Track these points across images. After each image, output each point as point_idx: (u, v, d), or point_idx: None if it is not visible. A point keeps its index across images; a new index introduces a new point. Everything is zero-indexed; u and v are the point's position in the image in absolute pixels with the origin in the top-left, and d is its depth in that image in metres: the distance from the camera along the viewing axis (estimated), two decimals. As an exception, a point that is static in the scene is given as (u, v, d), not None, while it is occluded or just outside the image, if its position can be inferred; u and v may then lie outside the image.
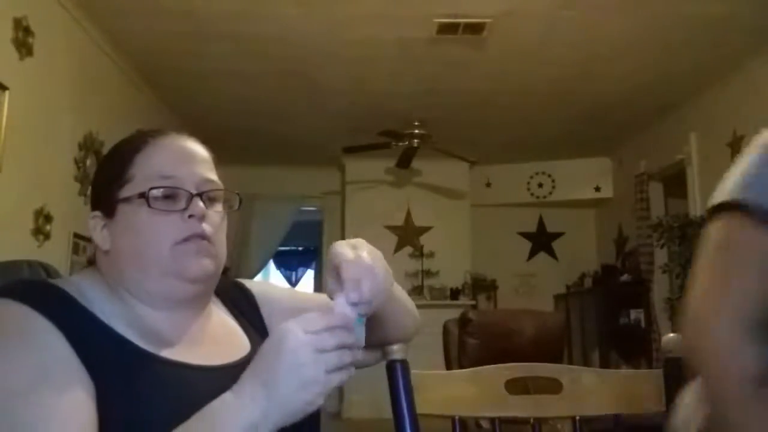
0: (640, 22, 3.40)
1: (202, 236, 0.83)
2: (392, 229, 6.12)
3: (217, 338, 0.89)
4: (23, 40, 2.82)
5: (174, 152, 0.88)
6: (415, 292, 5.94)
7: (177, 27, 3.50)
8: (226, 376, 0.77)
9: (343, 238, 7.10)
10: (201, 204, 0.83)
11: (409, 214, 6.14)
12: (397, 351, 0.97)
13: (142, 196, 0.82)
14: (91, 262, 0.92)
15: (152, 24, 3.47)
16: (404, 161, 5.38)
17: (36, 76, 2.95)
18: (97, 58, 3.62)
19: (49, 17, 3.06)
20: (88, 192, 3.48)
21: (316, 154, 5.91)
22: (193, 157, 0.88)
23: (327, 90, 4.45)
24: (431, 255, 6.07)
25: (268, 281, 1.33)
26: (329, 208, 6.49)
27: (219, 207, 0.88)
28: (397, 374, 0.96)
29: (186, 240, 0.82)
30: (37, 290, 0.79)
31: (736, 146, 4.08)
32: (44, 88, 3.05)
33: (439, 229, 6.13)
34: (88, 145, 3.49)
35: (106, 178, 0.87)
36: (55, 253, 3.10)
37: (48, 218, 3.07)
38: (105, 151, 4.03)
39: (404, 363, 0.97)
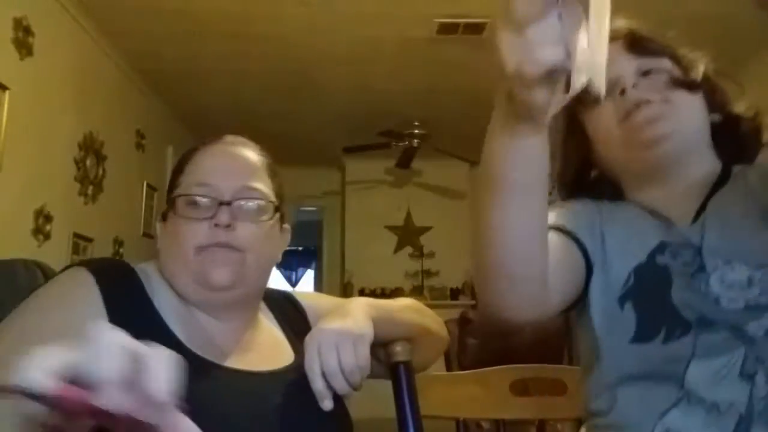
0: (640, 22, 3.40)
1: (225, 245, 0.83)
2: (392, 229, 6.11)
3: (263, 349, 0.90)
4: (23, 40, 2.82)
5: (216, 159, 0.89)
6: (415, 292, 5.93)
7: (177, 27, 3.49)
8: (267, 381, 0.82)
9: (343, 238, 7.02)
10: (226, 213, 0.83)
11: (409, 214, 6.13)
12: (400, 353, 0.96)
13: (173, 202, 0.85)
14: None
15: (152, 24, 3.46)
16: (404, 161, 5.38)
17: (36, 76, 2.94)
18: (97, 58, 3.61)
19: (49, 17, 3.06)
20: (89, 192, 3.49)
21: (316, 154, 5.91)
22: (234, 163, 0.89)
23: (327, 90, 4.44)
24: (431, 255, 6.06)
25: (318, 293, 1.34)
26: (329, 208, 6.48)
27: (258, 216, 0.87)
28: (401, 376, 0.95)
29: (209, 247, 0.83)
30: (110, 266, 0.82)
31: (736, 146, 4.07)
32: (44, 88, 3.04)
33: (439, 229, 6.12)
34: (88, 145, 3.48)
35: (168, 184, 0.91)
36: (55, 253, 3.10)
37: (48, 218, 3.06)
38: (105, 151, 4.04)
39: (408, 364, 0.96)
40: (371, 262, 5.91)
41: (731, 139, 0.89)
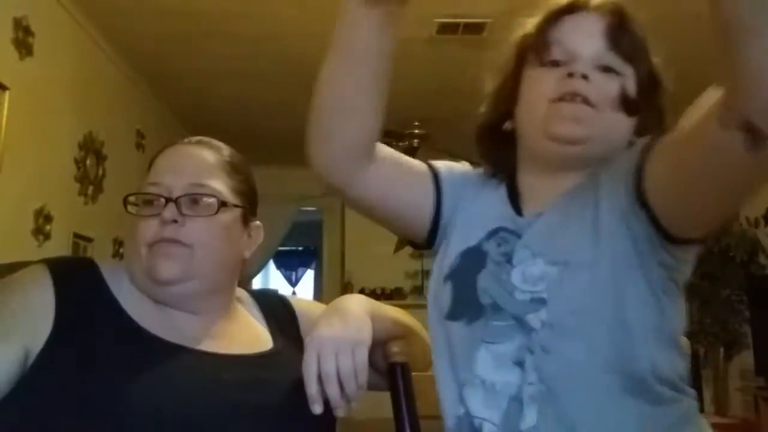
0: (640, 22, 3.40)
1: (171, 240, 0.86)
2: (392, 229, 6.11)
3: (237, 337, 0.92)
4: (23, 40, 2.82)
5: (169, 159, 0.92)
6: (415, 292, 5.93)
7: (177, 27, 3.49)
8: (237, 363, 0.85)
9: (343, 238, 7.01)
10: (172, 209, 0.86)
11: (409, 214, 6.13)
12: (397, 353, 0.96)
13: (125, 203, 0.90)
14: None
15: (152, 24, 3.47)
16: (404, 161, 5.38)
17: (36, 76, 2.94)
18: (97, 58, 3.61)
19: (49, 17, 3.06)
20: (89, 192, 3.49)
21: (316, 154, 5.90)
22: (185, 163, 0.91)
23: (327, 90, 4.45)
24: (431, 255, 6.06)
25: (314, 302, 1.33)
26: (329, 208, 6.48)
27: (207, 212, 0.89)
28: (398, 377, 0.96)
29: (157, 242, 0.86)
30: (68, 262, 0.88)
31: (736, 146, 4.07)
32: (44, 88, 3.04)
33: (439, 229, 6.12)
34: (88, 145, 3.49)
35: None
36: (55, 254, 3.09)
37: (48, 218, 3.06)
38: (105, 151, 4.04)
39: (405, 365, 0.97)
40: (371, 262, 5.91)
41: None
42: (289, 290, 9.52)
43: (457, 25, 3.45)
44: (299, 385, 0.84)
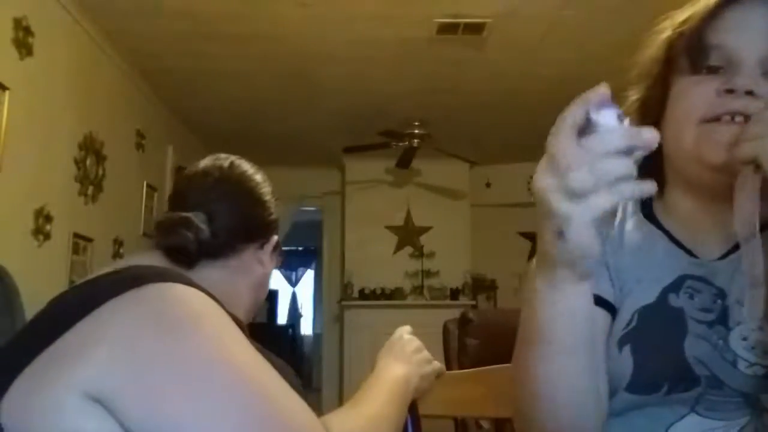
0: (640, 22, 3.40)
1: None
2: (392, 229, 6.12)
3: None
4: (23, 40, 2.82)
5: None
6: (415, 292, 5.94)
7: (177, 27, 3.49)
8: None
9: (343, 238, 7.01)
10: None
11: (409, 214, 6.13)
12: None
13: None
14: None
15: (152, 24, 3.47)
16: (404, 161, 5.38)
17: (36, 76, 2.94)
18: (97, 58, 3.61)
19: (49, 17, 3.06)
20: (89, 192, 3.49)
21: (316, 154, 5.91)
22: None
23: (327, 90, 4.45)
24: (431, 255, 6.07)
25: None
26: (329, 208, 6.48)
27: None
28: (399, 375, 0.95)
29: None
30: (183, 277, 0.73)
31: (736, 146, 4.06)
32: (44, 88, 3.04)
33: (439, 229, 6.12)
34: (88, 145, 3.49)
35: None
36: (55, 253, 3.10)
37: (48, 218, 3.06)
38: (105, 151, 4.04)
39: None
40: (371, 262, 5.91)
41: None
42: (290, 290, 9.52)
43: (457, 25, 3.45)
44: None
